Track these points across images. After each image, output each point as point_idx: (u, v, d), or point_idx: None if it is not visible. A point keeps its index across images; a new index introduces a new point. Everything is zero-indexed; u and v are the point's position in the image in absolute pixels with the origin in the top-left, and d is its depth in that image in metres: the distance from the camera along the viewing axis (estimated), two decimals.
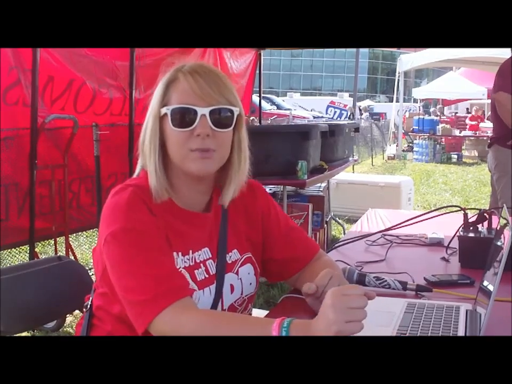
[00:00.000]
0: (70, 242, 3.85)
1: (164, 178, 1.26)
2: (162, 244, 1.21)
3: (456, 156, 13.75)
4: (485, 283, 1.26)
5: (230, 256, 1.36)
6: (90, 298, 1.36)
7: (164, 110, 1.24)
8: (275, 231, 1.45)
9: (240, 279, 1.36)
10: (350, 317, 1.00)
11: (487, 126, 13.75)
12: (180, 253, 1.26)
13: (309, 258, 1.46)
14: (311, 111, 20.70)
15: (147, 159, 1.27)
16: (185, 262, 1.27)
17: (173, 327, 1.11)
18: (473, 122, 15.45)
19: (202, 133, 1.22)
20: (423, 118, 15.14)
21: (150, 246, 1.18)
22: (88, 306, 1.36)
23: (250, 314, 1.44)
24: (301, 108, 21.49)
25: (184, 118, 1.23)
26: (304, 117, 16.82)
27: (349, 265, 1.61)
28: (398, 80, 13.83)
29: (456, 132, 14.60)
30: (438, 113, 17.47)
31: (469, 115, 17.17)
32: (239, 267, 1.36)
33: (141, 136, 1.30)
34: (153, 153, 1.25)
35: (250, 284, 1.38)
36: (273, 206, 1.47)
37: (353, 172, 9.43)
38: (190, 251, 1.29)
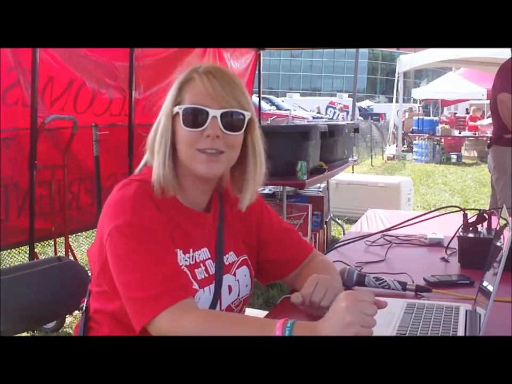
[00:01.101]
0: (70, 242, 3.84)
1: (172, 175, 1.26)
2: (167, 241, 1.21)
3: (455, 156, 13.76)
4: (485, 283, 1.26)
5: (227, 258, 1.36)
6: (86, 300, 1.35)
7: (176, 109, 1.25)
8: (268, 233, 1.46)
9: (238, 280, 1.37)
10: (363, 322, 1.01)
11: (486, 123, 13.72)
12: (181, 251, 1.27)
13: (302, 258, 1.47)
14: (311, 111, 20.71)
15: (156, 155, 1.27)
16: (185, 260, 1.27)
17: (174, 328, 1.10)
18: (475, 123, 15.38)
19: (212, 134, 1.22)
20: (423, 118, 15.14)
21: (155, 242, 1.18)
22: (84, 308, 1.35)
23: None
24: (301, 108, 21.49)
25: (195, 118, 1.23)
26: (303, 117, 16.82)
27: (348, 265, 1.62)
28: (398, 80, 13.82)
29: (456, 132, 14.60)
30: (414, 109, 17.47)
31: (468, 115, 17.17)
32: (236, 269, 1.37)
33: (151, 132, 1.30)
34: (164, 151, 1.25)
35: (246, 285, 1.39)
36: (266, 209, 1.49)
37: (352, 172, 9.43)
38: (191, 250, 1.29)
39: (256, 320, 1.18)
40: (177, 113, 1.24)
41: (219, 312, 1.28)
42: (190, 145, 1.24)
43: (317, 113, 13.20)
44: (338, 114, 15.97)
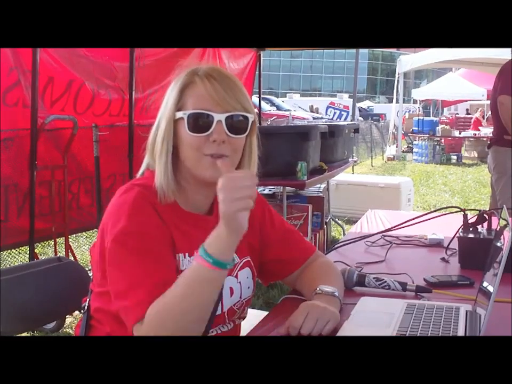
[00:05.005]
0: (70, 243, 3.85)
1: (173, 180, 1.25)
2: (162, 249, 1.21)
3: (455, 157, 13.76)
4: (485, 284, 1.26)
5: None
6: (88, 299, 1.36)
7: (179, 114, 1.24)
8: (271, 233, 1.46)
9: (240, 282, 1.36)
10: (236, 195, 1.05)
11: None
12: (186, 254, 1.26)
13: (304, 259, 1.47)
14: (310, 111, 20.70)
15: (157, 160, 1.26)
16: (191, 263, 1.26)
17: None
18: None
19: (218, 139, 1.22)
20: (423, 118, 15.14)
21: (147, 252, 1.18)
22: (86, 308, 1.35)
23: (245, 317, 1.45)
24: (301, 108, 21.48)
25: (200, 123, 1.22)
26: (303, 118, 16.82)
27: (348, 266, 1.61)
28: (398, 81, 13.83)
29: (456, 133, 14.60)
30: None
31: (469, 116, 17.15)
32: (238, 271, 1.37)
33: (150, 136, 1.29)
34: (165, 156, 1.25)
35: (248, 287, 1.39)
36: (268, 209, 1.48)
37: (352, 173, 9.43)
38: (195, 252, 1.28)
39: (187, 273, 1.14)
40: (181, 118, 1.23)
41: (161, 304, 1.14)
42: (195, 150, 1.23)
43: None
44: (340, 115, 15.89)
